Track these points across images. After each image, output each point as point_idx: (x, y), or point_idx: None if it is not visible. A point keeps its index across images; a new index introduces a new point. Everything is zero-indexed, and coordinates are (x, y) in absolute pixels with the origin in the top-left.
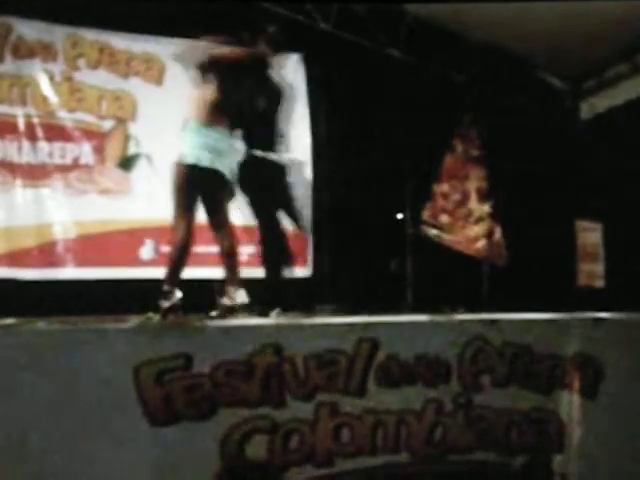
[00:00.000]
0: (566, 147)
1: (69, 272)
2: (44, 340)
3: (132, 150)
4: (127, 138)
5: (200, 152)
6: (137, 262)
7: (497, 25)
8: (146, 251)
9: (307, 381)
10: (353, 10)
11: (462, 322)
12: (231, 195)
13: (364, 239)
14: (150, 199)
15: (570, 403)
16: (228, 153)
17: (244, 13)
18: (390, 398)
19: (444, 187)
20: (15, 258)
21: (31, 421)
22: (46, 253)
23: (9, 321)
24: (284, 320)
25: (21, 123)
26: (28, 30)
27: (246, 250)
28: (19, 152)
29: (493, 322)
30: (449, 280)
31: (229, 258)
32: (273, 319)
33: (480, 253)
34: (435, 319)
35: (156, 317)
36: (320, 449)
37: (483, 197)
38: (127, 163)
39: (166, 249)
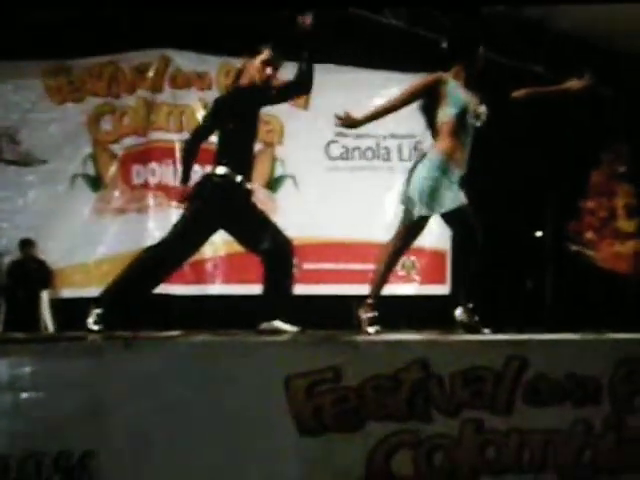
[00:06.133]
0: None
1: (217, 288)
2: (202, 352)
3: (278, 172)
4: (274, 160)
5: None
6: None
7: None
8: None
9: (453, 397)
10: (490, 27)
11: (614, 341)
12: None
13: (503, 257)
14: (294, 218)
15: None
16: None
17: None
18: (538, 417)
19: (590, 203)
20: None
21: (183, 428)
22: (196, 270)
23: (170, 333)
24: (432, 336)
25: (177, 148)
26: (185, 61)
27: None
28: (174, 175)
29: None
30: (592, 298)
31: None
32: (421, 335)
33: (627, 270)
34: (586, 338)
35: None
36: (465, 465)
37: (631, 214)
38: (274, 184)
39: (309, 266)
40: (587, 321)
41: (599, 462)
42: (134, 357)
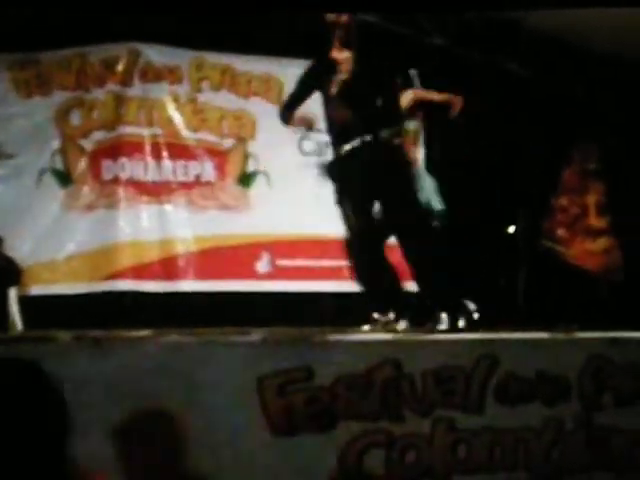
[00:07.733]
0: None
1: (189, 285)
2: (172, 351)
3: (251, 167)
4: (246, 156)
5: None
6: (254, 275)
7: (619, 35)
8: (262, 265)
9: (425, 397)
10: (468, 24)
11: (583, 340)
12: None
13: (475, 253)
14: (267, 214)
15: None
16: None
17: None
18: (508, 415)
19: (562, 201)
20: (139, 271)
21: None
22: (168, 266)
23: (141, 333)
24: (404, 336)
25: (147, 143)
26: (156, 55)
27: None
28: (145, 170)
29: (614, 340)
30: (564, 295)
31: None
32: (393, 334)
33: (598, 268)
34: (556, 336)
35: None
36: (437, 464)
37: (602, 211)
38: (246, 180)
39: (282, 263)
40: (558, 318)
41: (569, 460)
42: (104, 357)
